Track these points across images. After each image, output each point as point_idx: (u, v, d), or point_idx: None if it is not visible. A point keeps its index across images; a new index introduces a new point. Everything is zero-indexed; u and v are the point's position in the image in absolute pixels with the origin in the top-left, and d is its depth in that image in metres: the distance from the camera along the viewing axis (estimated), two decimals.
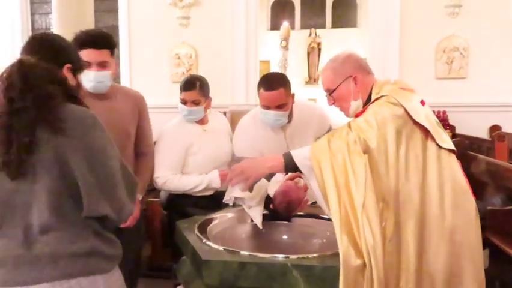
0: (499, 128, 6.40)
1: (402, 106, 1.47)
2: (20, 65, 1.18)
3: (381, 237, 1.32)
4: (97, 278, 1.16)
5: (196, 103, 2.14)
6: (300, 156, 1.45)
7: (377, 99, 1.55)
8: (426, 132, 1.50)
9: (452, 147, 1.55)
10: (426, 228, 1.43)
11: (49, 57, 1.28)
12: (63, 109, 1.17)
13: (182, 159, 2.19)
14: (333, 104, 1.71)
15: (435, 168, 1.47)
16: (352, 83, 1.65)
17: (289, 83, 2.01)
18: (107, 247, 1.22)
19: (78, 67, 1.39)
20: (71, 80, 1.35)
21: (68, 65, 1.34)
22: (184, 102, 2.15)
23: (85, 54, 1.73)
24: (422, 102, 1.61)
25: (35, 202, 1.14)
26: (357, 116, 1.59)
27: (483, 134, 6.47)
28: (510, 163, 3.97)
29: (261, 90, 1.97)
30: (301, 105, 2.12)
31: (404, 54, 6.81)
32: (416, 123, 1.48)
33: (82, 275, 1.14)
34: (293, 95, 2.02)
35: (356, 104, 1.67)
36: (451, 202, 1.46)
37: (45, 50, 1.31)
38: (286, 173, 1.70)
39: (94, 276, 1.16)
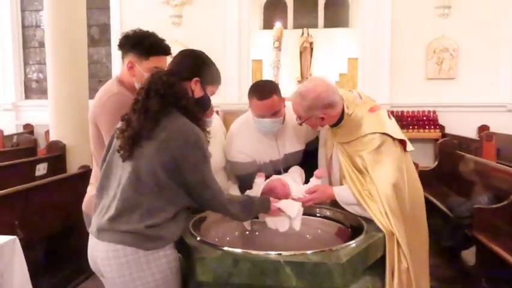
0: (488, 128, 6.50)
1: (388, 135, 1.77)
2: (151, 74, 1.45)
3: None
4: (138, 250, 1.36)
5: None
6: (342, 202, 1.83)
7: (362, 136, 1.79)
8: (402, 143, 1.82)
9: (411, 147, 1.86)
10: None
11: (180, 71, 1.51)
12: (173, 120, 1.38)
13: None
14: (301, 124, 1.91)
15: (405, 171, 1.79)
16: (319, 120, 1.85)
17: (279, 89, 2.00)
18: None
19: (207, 82, 1.59)
20: (198, 92, 1.55)
21: (197, 79, 1.54)
22: None
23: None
24: (388, 114, 1.87)
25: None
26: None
27: (472, 134, 6.57)
28: (497, 162, 4.04)
29: (254, 100, 1.93)
30: (290, 109, 2.06)
31: (395, 55, 6.87)
32: (395, 139, 1.78)
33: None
34: (284, 99, 2.01)
35: (323, 129, 1.97)
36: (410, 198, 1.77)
37: (180, 63, 1.58)
38: None
39: (137, 249, 1.36)
